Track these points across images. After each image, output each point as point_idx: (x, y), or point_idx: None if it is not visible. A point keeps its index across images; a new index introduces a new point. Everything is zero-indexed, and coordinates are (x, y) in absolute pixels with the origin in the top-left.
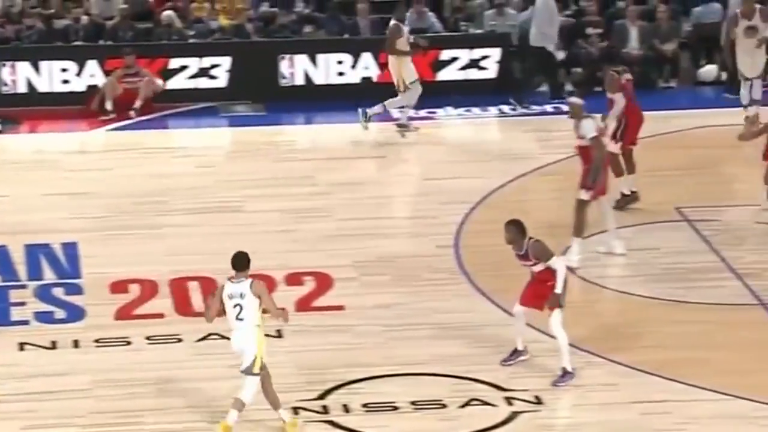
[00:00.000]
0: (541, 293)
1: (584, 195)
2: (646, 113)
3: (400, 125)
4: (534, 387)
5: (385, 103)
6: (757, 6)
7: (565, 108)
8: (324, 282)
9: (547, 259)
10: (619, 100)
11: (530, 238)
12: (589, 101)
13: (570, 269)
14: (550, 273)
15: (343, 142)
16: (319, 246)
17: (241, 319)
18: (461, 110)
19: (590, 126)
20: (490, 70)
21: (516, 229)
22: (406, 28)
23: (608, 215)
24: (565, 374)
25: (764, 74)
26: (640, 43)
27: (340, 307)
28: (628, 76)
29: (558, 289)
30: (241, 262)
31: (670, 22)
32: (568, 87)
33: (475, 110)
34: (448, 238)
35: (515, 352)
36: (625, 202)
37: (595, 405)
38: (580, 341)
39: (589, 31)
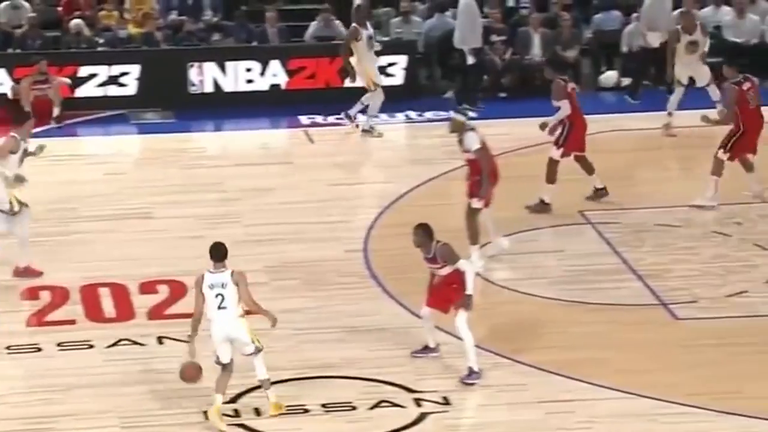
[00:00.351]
0: (446, 295)
1: (476, 203)
2: (548, 118)
3: (364, 130)
4: (442, 388)
5: (368, 111)
6: (698, 22)
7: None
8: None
9: (455, 262)
10: (565, 107)
11: (438, 241)
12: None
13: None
14: (457, 276)
15: (252, 148)
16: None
17: (224, 308)
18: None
19: (473, 138)
20: (397, 77)
21: (424, 232)
22: (365, 32)
23: (488, 222)
24: (472, 373)
25: (712, 80)
26: (543, 49)
27: (250, 312)
28: (573, 84)
29: (469, 291)
30: (219, 252)
31: (572, 29)
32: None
33: (383, 116)
34: (357, 243)
35: (426, 348)
36: (598, 196)
37: (502, 405)
38: (487, 342)
39: (493, 38)
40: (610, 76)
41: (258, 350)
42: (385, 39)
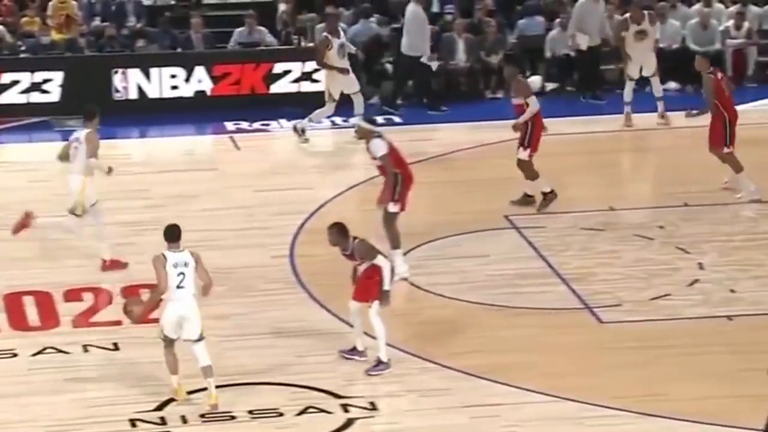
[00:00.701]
0: (368, 288)
1: (392, 207)
2: (474, 123)
3: (295, 128)
4: (369, 393)
5: (311, 115)
6: (646, 11)
7: (395, 119)
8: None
9: (372, 257)
10: (533, 105)
11: (355, 238)
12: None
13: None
14: (376, 270)
15: (177, 155)
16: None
17: (182, 287)
18: (294, 122)
19: (379, 145)
20: (322, 83)
21: (338, 231)
22: (337, 41)
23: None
24: (379, 363)
25: (656, 72)
26: (467, 55)
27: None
28: None
29: (386, 286)
30: (175, 232)
31: (496, 34)
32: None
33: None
34: (283, 249)
35: (354, 350)
36: (548, 200)
37: (428, 410)
38: (413, 347)
39: None
40: (534, 81)
41: (202, 337)
42: (310, 45)
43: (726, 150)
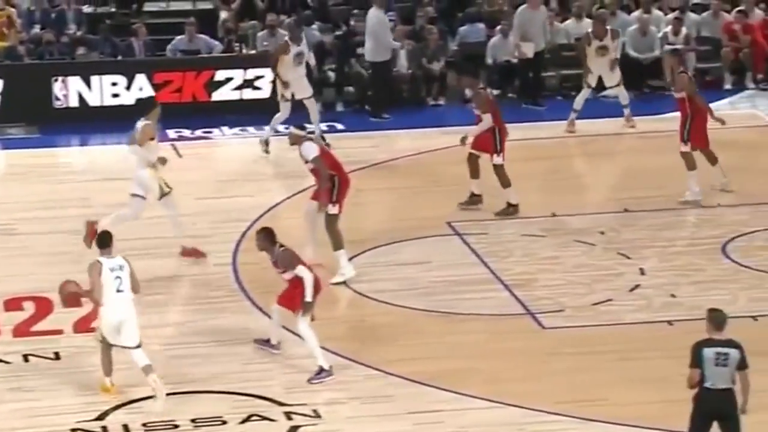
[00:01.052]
0: (293, 296)
1: (332, 209)
2: (417, 130)
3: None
4: (312, 401)
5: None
6: (608, 27)
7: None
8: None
9: (293, 267)
10: (487, 119)
11: (281, 246)
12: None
13: (345, 283)
14: (299, 281)
15: (118, 163)
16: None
17: (122, 291)
18: (236, 129)
19: (310, 148)
20: (265, 90)
21: (265, 236)
22: (295, 48)
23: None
24: (321, 371)
25: (621, 82)
26: (409, 62)
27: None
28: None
29: (308, 298)
30: (107, 239)
31: (437, 41)
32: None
33: (251, 129)
34: (225, 257)
35: (268, 342)
36: (509, 213)
37: (371, 417)
38: (357, 354)
39: (360, 51)
40: None
41: (140, 345)
42: (252, 53)
43: (683, 148)
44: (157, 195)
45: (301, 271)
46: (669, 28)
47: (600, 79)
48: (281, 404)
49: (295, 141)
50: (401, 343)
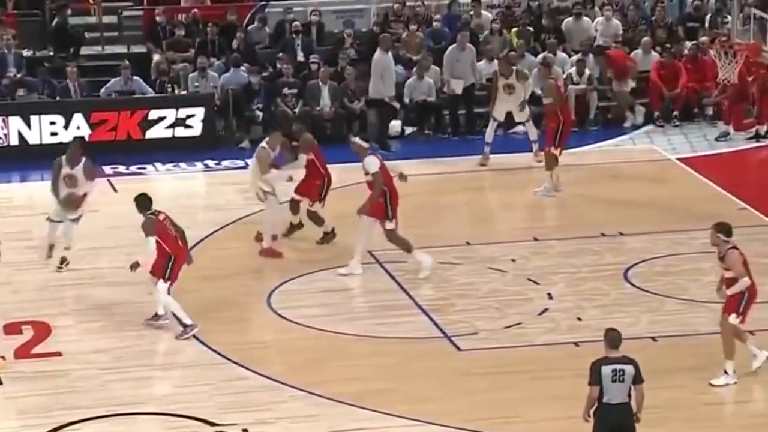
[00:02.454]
0: (156, 264)
1: (388, 225)
2: (340, 165)
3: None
4: (242, 421)
5: None
6: (514, 67)
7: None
8: (42, 330)
9: (147, 235)
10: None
11: (150, 212)
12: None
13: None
14: (161, 249)
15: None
16: (37, 296)
17: None
18: (169, 165)
19: (373, 163)
20: (195, 128)
21: (139, 202)
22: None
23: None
24: (185, 327)
25: (529, 118)
26: (332, 101)
27: (58, 354)
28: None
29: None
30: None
31: (357, 82)
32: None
33: (182, 165)
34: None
35: (156, 315)
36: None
37: None
38: (284, 377)
39: (286, 91)
40: (395, 125)
41: None
42: (183, 93)
43: (553, 150)
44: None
45: (149, 241)
46: (573, 69)
47: (510, 115)
48: (212, 424)
49: (358, 151)
50: (326, 365)
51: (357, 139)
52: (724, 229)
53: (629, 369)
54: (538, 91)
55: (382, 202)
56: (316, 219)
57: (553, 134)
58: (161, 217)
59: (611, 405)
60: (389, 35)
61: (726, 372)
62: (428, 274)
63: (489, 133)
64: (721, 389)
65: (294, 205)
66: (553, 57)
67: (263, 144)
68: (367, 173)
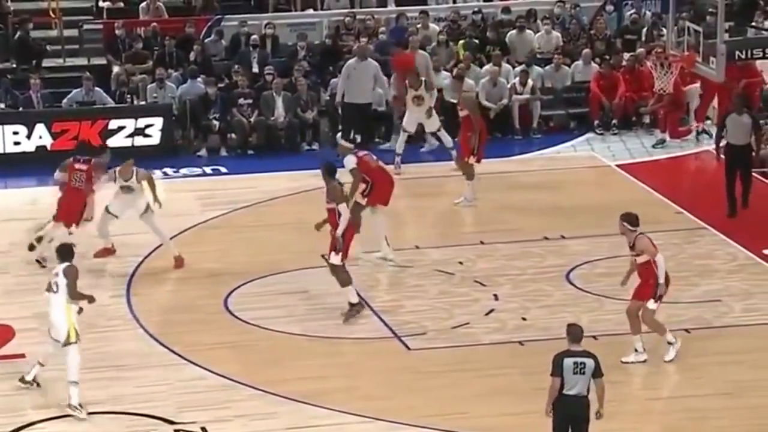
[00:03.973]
0: None
1: (359, 199)
2: (293, 173)
3: None
4: (201, 419)
5: None
6: (423, 78)
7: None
8: (6, 333)
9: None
10: (345, 212)
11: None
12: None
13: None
14: None
15: (21, 204)
16: (1, 300)
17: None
18: None
19: (349, 160)
20: (154, 137)
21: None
22: None
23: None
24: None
25: (441, 127)
26: (286, 111)
27: (21, 355)
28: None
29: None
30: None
31: (310, 92)
32: (223, 152)
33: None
34: (120, 289)
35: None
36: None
37: None
38: (242, 377)
39: (241, 101)
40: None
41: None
42: (142, 103)
43: (471, 160)
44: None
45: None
46: (517, 80)
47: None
48: (171, 423)
49: (343, 152)
50: (282, 365)
51: (341, 141)
52: (628, 218)
53: (590, 362)
54: (486, 102)
55: (364, 188)
56: None
57: (469, 145)
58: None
59: (570, 396)
60: (365, 45)
61: (636, 350)
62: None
63: (400, 144)
64: (665, 385)
65: None
66: (464, 69)
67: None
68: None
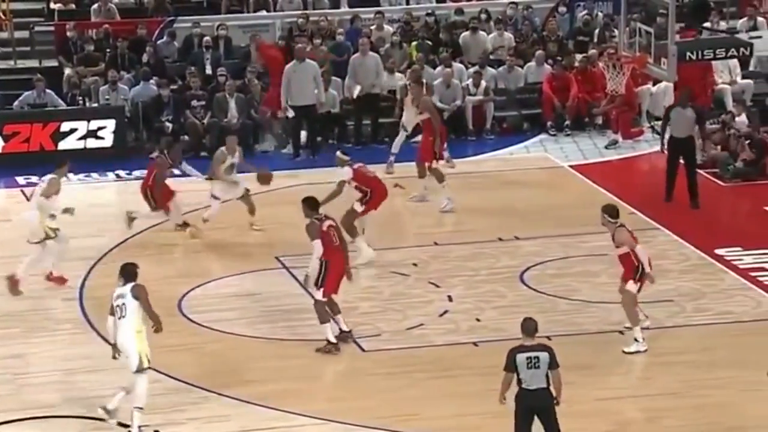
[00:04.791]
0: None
1: (358, 207)
2: (247, 175)
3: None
4: (155, 422)
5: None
6: (408, 87)
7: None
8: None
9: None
10: (318, 248)
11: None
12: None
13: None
14: None
15: None
16: None
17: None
18: (81, 176)
19: (344, 172)
20: (107, 140)
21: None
22: (230, 159)
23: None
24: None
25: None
26: (239, 113)
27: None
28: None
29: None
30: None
31: (262, 93)
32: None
33: (95, 175)
34: (72, 292)
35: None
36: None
37: None
38: (196, 379)
39: (194, 103)
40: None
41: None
42: (95, 105)
43: (436, 164)
44: (38, 239)
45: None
46: (470, 81)
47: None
48: (125, 426)
49: (339, 164)
50: (236, 367)
51: (339, 153)
52: (608, 211)
53: (544, 355)
54: (439, 103)
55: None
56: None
57: (433, 148)
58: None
59: (530, 390)
60: (302, 47)
61: (636, 339)
62: (366, 263)
63: (397, 143)
64: (616, 385)
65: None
66: (420, 71)
67: (54, 175)
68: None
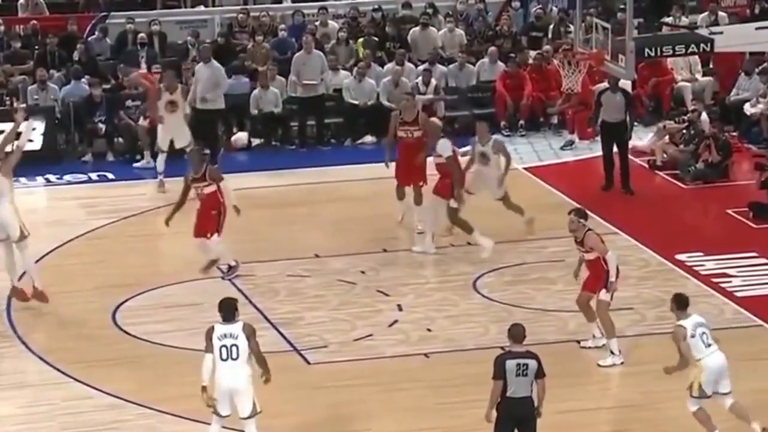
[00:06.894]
0: None
1: (452, 204)
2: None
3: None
4: None
5: None
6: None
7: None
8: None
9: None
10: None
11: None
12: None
13: None
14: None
15: None
16: None
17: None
18: None
19: (446, 146)
20: (36, 142)
21: None
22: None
23: None
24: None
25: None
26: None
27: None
28: None
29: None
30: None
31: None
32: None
33: (23, 179)
34: (0, 303)
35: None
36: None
37: None
38: (132, 395)
39: (129, 103)
40: (241, 137)
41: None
42: (23, 106)
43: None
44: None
45: None
46: (419, 79)
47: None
48: None
49: (433, 132)
50: (174, 381)
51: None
52: (580, 213)
53: (532, 363)
54: (386, 103)
55: (449, 182)
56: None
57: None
58: None
59: (515, 399)
60: (209, 47)
61: (612, 352)
62: (487, 256)
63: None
64: (578, 397)
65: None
66: (366, 68)
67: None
68: (439, 155)
